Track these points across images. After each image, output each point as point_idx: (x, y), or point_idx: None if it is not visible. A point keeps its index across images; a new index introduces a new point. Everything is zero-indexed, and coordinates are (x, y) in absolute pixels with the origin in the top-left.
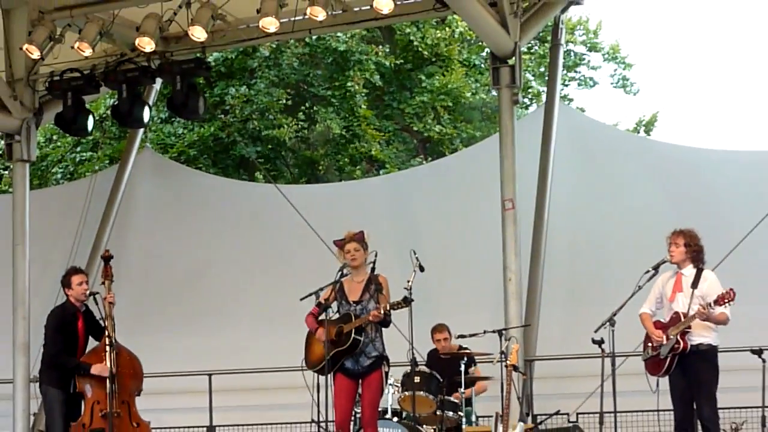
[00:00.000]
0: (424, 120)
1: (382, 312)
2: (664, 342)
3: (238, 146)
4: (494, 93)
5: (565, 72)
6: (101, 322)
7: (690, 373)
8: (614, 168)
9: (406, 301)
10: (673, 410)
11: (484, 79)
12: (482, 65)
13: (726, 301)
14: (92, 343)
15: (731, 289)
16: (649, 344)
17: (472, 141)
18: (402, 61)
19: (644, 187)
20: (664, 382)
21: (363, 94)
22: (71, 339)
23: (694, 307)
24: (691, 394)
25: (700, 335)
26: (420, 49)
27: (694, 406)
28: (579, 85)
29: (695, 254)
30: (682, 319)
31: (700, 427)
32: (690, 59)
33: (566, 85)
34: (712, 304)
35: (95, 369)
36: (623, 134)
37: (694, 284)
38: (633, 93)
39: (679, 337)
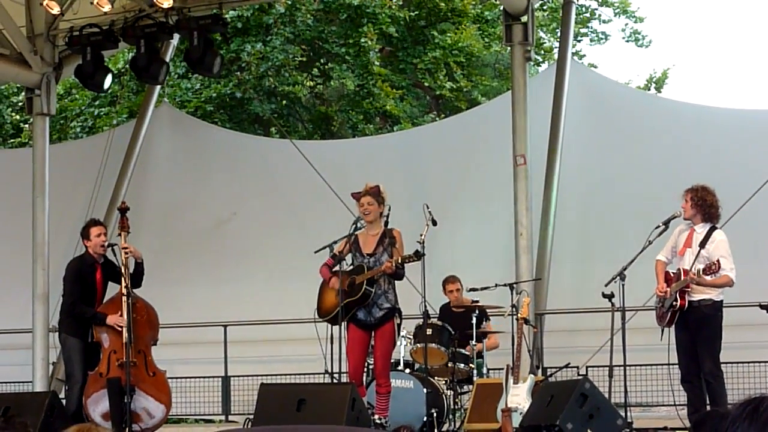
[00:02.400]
0: (435, 76)
1: (394, 264)
2: (667, 296)
3: (253, 104)
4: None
5: (576, 28)
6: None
7: (692, 328)
8: (625, 125)
9: (418, 255)
10: (678, 364)
11: (497, 32)
12: (496, 20)
13: (711, 272)
14: (110, 294)
15: (718, 260)
16: (657, 296)
17: (489, 92)
18: (416, 15)
19: (655, 144)
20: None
21: (376, 50)
22: (89, 289)
23: (697, 266)
24: (695, 348)
25: (702, 292)
26: (437, 1)
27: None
28: (591, 41)
29: (705, 210)
30: (683, 276)
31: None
32: (702, 12)
33: (578, 41)
34: (701, 272)
35: (110, 320)
36: (635, 92)
37: (702, 243)
38: (645, 46)
39: (678, 295)
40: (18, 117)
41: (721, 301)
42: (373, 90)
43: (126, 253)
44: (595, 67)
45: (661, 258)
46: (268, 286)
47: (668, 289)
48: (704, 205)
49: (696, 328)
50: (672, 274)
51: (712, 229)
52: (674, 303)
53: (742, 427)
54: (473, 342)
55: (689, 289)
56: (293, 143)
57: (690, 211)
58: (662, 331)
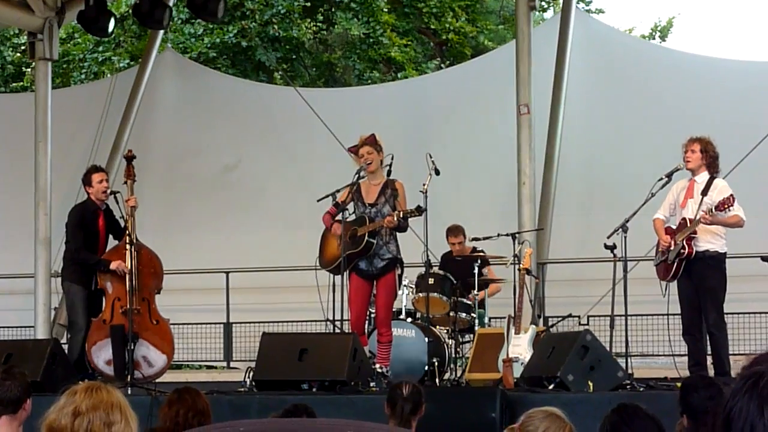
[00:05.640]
0: (442, 20)
1: (396, 218)
2: (672, 247)
3: (257, 51)
4: None
5: None
6: (121, 221)
7: (697, 279)
8: (629, 75)
9: (420, 210)
10: (680, 316)
11: None
12: None
13: (726, 206)
14: (113, 242)
15: (731, 195)
16: (660, 250)
17: (495, 38)
18: None
19: (658, 94)
20: (675, 287)
21: None
22: (92, 236)
23: (701, 214)
24: (699, 300)
25: (707, 242)
26: None
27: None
28: None
29: (710, 161)
30: (689, 224)
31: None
32: None
33: None
34: (713, 210)
35: (113, 265)
36: (639, 41)
37: (704, 191)
38: None
39: (685, 242)
40: (20, 56)
41: (725, 253)
42: (380, 39)
43: (132, 207)
44: (602, 12)
45: (659, 216)
46: (271, 234)
47: (672, 240)
48: (713, 156)
49: (700, 279)
50: (672, 228)
51: (713, 178)
52: (682, 251)
53: (741, 402)
54: (475, 291)
55: (696, 236)
56: (297, 91)
57: (697, 162)
58: (667, 286)
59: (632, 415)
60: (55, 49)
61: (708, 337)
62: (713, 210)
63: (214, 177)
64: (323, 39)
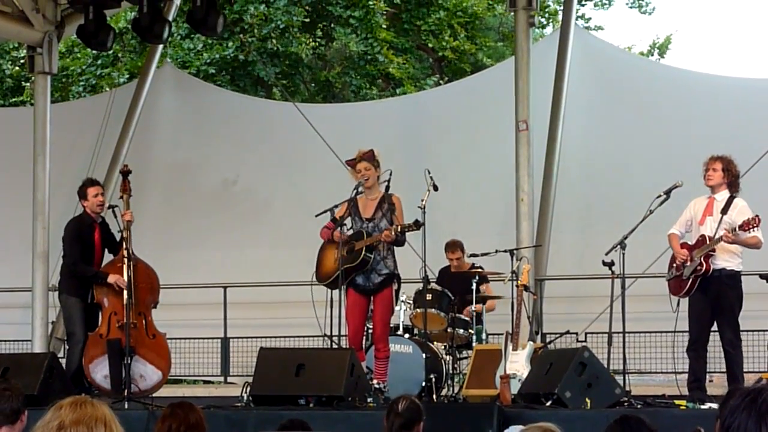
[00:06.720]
0: (440, 38)
1: (393, 233)
2: (688, 262)
3: (256, 66)
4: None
5: None
6: (119, 234)
7: (712, 297)
8: (628, 92)
9: (417, 224)
10: (688, 331)
11: None
12: None
13: (751, 226)
14: (109, 256)
15: (757, 216)
16: (674, 264)
17: (493, 54)
18: None
19: (657, 111)
20: (682, 303)
21: (383, 12)
22: (88, 249)
23: (721, 232)
24: (710, 317)
25: (725, 260)
26: None
27: (711, 330)
28: (595, 5)
29: (732, 180)
30: (708, 242)
31: (722, 350)
32: None
33: (582, 5)
34: (737, 229)
35: (111, 278)
36: (638, 58)
37: (724, 210)
38: (648, 13)
39: (702, 260)
40: (19, 69)
41: (740, 271)
42: (378, 57)
43: (128, 221)
44: (602, 28)
45: (674, 231)
46: (268, 249)
47: (689, 255)
48: (735, 175)
49: (716, 297)
50: (689, 244)
51: (732, 197)
52: (698, 268)
53: (740, 418)
54: (472, 307)
55: (714, 254)
56: (296, 106)
57: (718, 180)
58: (678, 301)
59: (635, 427)
60: (55, 63)
61: (723, 354)
62: (737, 229)
63: (212, 192)
64: (322, 54)
